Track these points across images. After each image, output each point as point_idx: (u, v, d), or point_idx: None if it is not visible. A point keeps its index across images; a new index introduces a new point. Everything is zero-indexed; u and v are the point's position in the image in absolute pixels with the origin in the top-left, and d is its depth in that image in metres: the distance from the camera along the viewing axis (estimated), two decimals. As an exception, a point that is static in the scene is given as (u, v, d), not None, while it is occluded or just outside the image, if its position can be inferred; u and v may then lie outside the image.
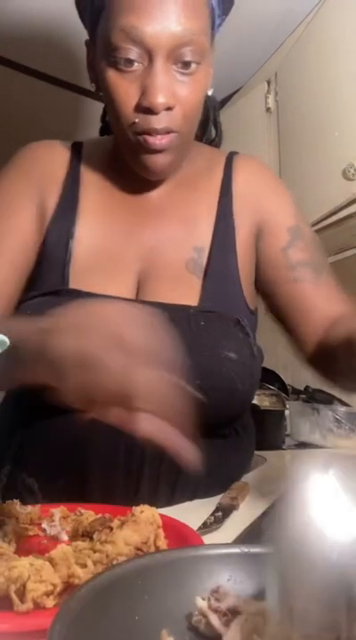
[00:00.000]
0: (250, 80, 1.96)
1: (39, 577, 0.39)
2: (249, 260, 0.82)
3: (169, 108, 0.68)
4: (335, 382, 0.82)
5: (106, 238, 0.79)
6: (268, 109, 1.79)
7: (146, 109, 0.67)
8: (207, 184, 0.84)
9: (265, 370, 1.82)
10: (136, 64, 0.67)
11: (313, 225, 1.53)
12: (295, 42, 1.69)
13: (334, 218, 1.46)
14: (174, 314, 0.72)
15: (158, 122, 0.68)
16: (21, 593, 0.39)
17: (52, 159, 0.83)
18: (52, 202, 0.80)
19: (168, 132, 0.69)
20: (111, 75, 0.68)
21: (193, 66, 0.68)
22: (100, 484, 0.71)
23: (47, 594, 0.39)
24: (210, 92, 0.79)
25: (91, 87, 0.77)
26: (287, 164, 1.70)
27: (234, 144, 1.99)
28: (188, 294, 0.75)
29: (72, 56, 1.82)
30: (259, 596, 0.38)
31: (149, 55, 0.66)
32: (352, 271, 1.81)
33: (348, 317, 0.74)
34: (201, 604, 0.35)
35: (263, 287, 0.84)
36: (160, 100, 0.66)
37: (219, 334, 0.72)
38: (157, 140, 0.69)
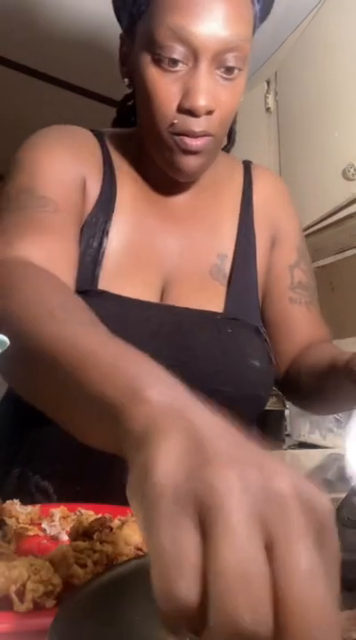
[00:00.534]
0: (250, 80, 1.96)
1: (39, 577, 0.39)
2: (265, 269, 0.84)
3: (210, 112, 0.67)
4: (300, 402, 0.86)
5: (136, 239, 0.77)
6: (268, 109, 1.79)
7: (187, 111, 0.66)
8: (229, 190, 0.85)
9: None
10: (180, 64, 0.66)
11: (313, 225, 1.54)
12: (295, 42, 1.69)
13: (334, 218, 1.46)
14: (202, 319, 0.73)
15: (198, 125, 0.67)
16: (21, 593, 0.39)
17: (89, 143, 0.79)
18: (93, 189, 0.75)
19: (205, 134, 0.69)
20: (153, 72, 0.67)
21: (236, 72, 0.68)
22: (117, 490, 0.70)
23: (47, 594, 0.39)
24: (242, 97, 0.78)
25: (124, 83, 0.76)
26: (287, 164, 1.70)
27: (234, 144, 1.99)
28: (212, 300, 0.76)
29: (74, 57, 1.82)
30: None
31: (195, 57, 0.65)
32: (353, 271, 1.82)
33: (326, 345, 0.79)
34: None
35: (263, 297, 0.85)
36: (203, 102, 0.65)
37: (245, 342, 0.73)
38: (193, 142, 0.68)
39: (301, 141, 1.62)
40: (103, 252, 0.73)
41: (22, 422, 0.76)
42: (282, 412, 1.56)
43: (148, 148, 0.75)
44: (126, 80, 0.75)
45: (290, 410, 1.55)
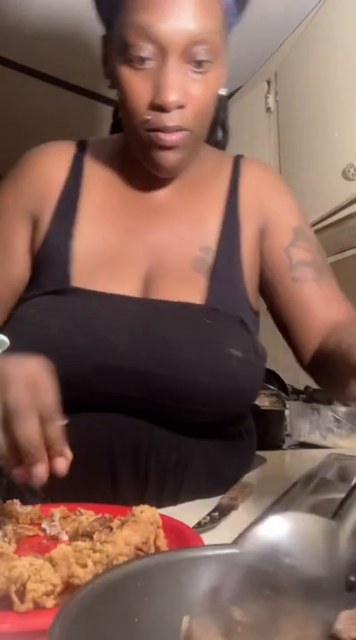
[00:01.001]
0: (250, 80, 1.96)
1: (39, 577, 0.39)
2: (253, 261, 0.82)
3: (181, 107, 0.68)
4: (328, 389, 0.83)
5: (109, 237, 0.78)
6: (268, 109, 1.79)
7: (158, 107, 0.68)
8: (214, 186, 0.84)
9: (265, 370, 1.82)
10: (150, 62, 0.67)
11: (313, 225, 1.53)
12: (295, 42, 1.69)
13: (334, 218, 1.46)
14: (178, 311, 0.72)
15: (170, 119, 0.68)
16: (21, 593, 0.39)
17: (50, 165, 0.83)
18: (49, 207, 0.80)
19: (180, 129, 0.70)
20: (125, 71, 0.69)
21: (206, 65, 0.68)
22: (105, 484, 0.72)
23: (47, 594, 0.39)
24: (224, 92, 0.79)
25: (106, 84, 0.77)
26: (287, 164, 1.70)
27: (234, 144, 1.99)
28: (194, 293, 0.75)
29: (74, 57, 1.82)
30: (258, 596, 0.38)
31: (163, 53, 0.66)
32: (352, 271, 1.81)
33: (345, 326, 0.74)
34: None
35: (265, 288, 0.84)
36: (172, 98, 0.66)
37: (225, 332, 0.72)
38: (168, 137, 0.70)
39: (301, 141, 1.62)
40: (71, 253, 0.76)
41: None
42: (282, 412, 1.56)
43: (131, 146, 0.77)
44: (108, 80, 0.76)
45: (290, 410, 1.55)
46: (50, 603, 0.39)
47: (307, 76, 1.59)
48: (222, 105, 0.89)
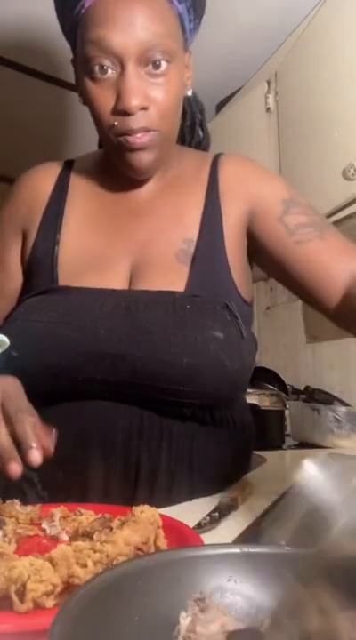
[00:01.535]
0: (250, 80, 1.96)
1: (39, 577, 0.39)
2: (239, 248, 0.84)
3: (144, 109, 0.73)
4: None
5: (93, 239, 0.84)
6: (268, 109, 1.79)
7: (122, 112, 0.72)
8: (195, 182, 0.87)
9: (265, 370, 1.83)
10: (110, 72, 0.72)
11: (313, 225, 1.54)
12: (295, 42, 1.69)
13: (334, 218, 1.46)
14: (157, 298, 0.75)
15: (136, 122, 0.73)
16: (21, 593, 0.39)
17: (38, 183, 0.90)
18: (36, 219, 0.87)
19: (146, 130, 0.74)
20: (89, 85, 0.74)
21: (163, 64, 0.73)
22: (98, 476, 0.73)
23: (47, 594, 0.39)
24: (189, 93, 0.84)
25: (79, 101, 0.82)
26: (287, 164, 1.70)
27: (234, 144, 2.00)
28: (176, 282, 0.78)
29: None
30: (257, 596, 0.38)
31: (120, 62, 0.72)
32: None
33: None
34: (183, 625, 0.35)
35: (272, 264, 0.84)
36: (134, 102, 0.71)
37: (205, 316, 0.74)
38: (136, 139, 0.74)
39: (301, 141, 1.62)
40: (57, 257, 0.82)
41: None
42: (282, 412, 1.56)
43: (107, 153, 0.83)
44: (81, 99, 0.81)
45: (290, 410, 1.55)
46: (50, 603, 0.39)
47: (307, 76, 1.59)
48: (198, 107, 0.95)
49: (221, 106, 2.10)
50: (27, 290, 0.85)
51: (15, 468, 0.54)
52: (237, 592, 0.38)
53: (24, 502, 0.63)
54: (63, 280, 0.80)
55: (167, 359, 0.70)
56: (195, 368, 0.71)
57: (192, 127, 0.96)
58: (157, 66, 0.73)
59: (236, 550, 0.39)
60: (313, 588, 0.38)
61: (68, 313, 0.74)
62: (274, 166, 1.74)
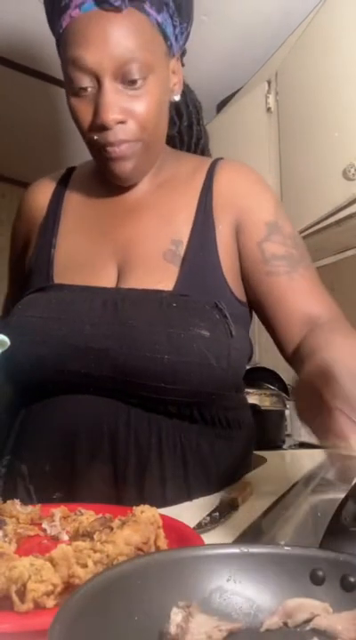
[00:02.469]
0: (250, 80, 1.96)
1: (40, 577, 0.39)
2: (232, 253, 0.84)
3: (122, 122, 0.75)
4: None
5: (85, 240, 0.87)
6: (268, 109, 1.79)
7: (100, 126, 0.75)
8: (188, 186, 0.88)
9: (265, 370, 1.83)
10: (89, 89, 0.75)
11: (313, 225, 1.54)
12: (295, 42, 1.69)
13: (334, 218, 1.46)
14: (145, 296, 0.77)
15: (114, 135, 0.76)
16: (22, 593, 0.39)
17: (38, 193, 0.96)
18: (36, 228, 0.93)
19: (125, 142, 0.77)
20: (71, 100, 0.78)
21: (139, 82, 0.75)
22: (85, 469, 0.75)
23: (47, 594, 0.39)
24: (177, 98, 0.85)
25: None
26: (287, 164, 1.70)
27: (234, 144, 2.00)
28: (164, 281, 0.79)
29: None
30: (257, 596, 0.38)
31: (97, 79, 0.74)
32: (352, 271, 1.82)
33: (322, 328, 0.73)
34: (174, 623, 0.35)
35: (245, 283, 0.85)
36: (110, 117, 0.74)
37: (191, 314, 0.75)
38: (116, 149, 0.77)
39: (301, 141, 1.62)
40: (52, 258, 0.86)
41: (11, 413, 0.85)
42: (282, 412, 1.56)
43: (95, 162, 0.87)
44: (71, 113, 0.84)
45: (290, 410, 1.55)
46: (50, 603, 0.39)
47: (307, 76, 1.59)
48: (194, 105, 0.96)
49: (221, 106, 2.10)
50: (26, 289, 0.88)
51: None
52: (237, 592, 0.38)
53: (15, 494, 0.64)
54: (57, 279, 0.84)
55: (149, 355, 0.72)
56: (177, 365, 0.71)
57: (190, 127, 0.97)
58: (133, 81, 0.74)
59: (236, 550, 0.39)
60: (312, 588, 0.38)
61: (59, 309, 0.78)
62: (274, 166, 1.74)
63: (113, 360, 0.73)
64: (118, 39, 0.73)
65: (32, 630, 0.37)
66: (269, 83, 1.79)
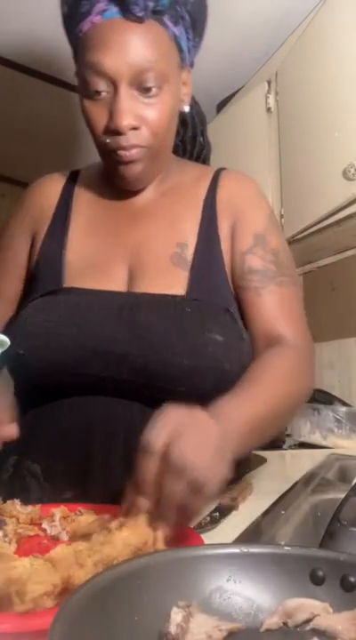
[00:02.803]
0: (250, 80, 1.96)
1: (39, 577, 0.39)
2: (232, 256, 0.86)
3: (135, 128, 0.77)
4: None
5: (96, 242, 0.87)
6: (268, 109, 1.79)
7: (113, 131, 0.77)
8: (193, 192, 0.90)
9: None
10: (104, 93, 0.77)
11: (313, 225, 1.54)
12: (295, 42, 1.69)
13: (334, 218, 1.46)
14: (160, 301, 0.78)
15: (126, 140, 0.77)
16: (21, 593, 0.39)
17: (46, 191, 0.95)
18: (44, 225, 0.91)
19: (136, 147, 0.78)
20: (86, 103, 0.79)
21: (154, 90, 0.77)
22: (99, 469, 0.75)
23: (47, 594, 0.39)
24: (186, 109, 0.87)
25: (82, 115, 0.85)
26: (287, 164, 1.70)
27: (234, 144, 2.00)
28: (174, 285, 0.81)
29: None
30: (257, 596, 0.38)
31: (114, 84, 0.76)
32: (352, 271, 1.82)
33: (268, 354, 0.75)
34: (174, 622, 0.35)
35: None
36: (124, 122, 0.75)
37: (205, 319, 0.77)
38: (126, 153, 0.78)
39: (301, 141, 1.62)
40: (64, 260, 0.86)
41: (19, 411, 0.83)
42: (282, 412, 1.56)
43: (103, 165, 0.88)
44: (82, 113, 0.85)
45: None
46: (50, 603, 0.39)
47: (307, 76, 1.59)
48: (200, 119, 0.99)
49: (221, 106, 2.10)
50: (32, 291, 0.87)
51: None
52: (237, 592, 0.38)
53: (27, 494, 0.64)
54: (67, 282, 0.83)
55: (168, 360, 0.73)
56: (195, 370, 0.73)
57: (194, 137, 1.00)
58: (148, 89, 0.76)
59: (236, 550, 0.39)
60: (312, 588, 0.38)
61: (74, 313, 0.78)
62: (274, 166, 1.74)
63: (132, 364, 0.74)
64: (138, 48, 0.75)
65: (32, 630, 0.37)
66: (269, 83, 1.79)
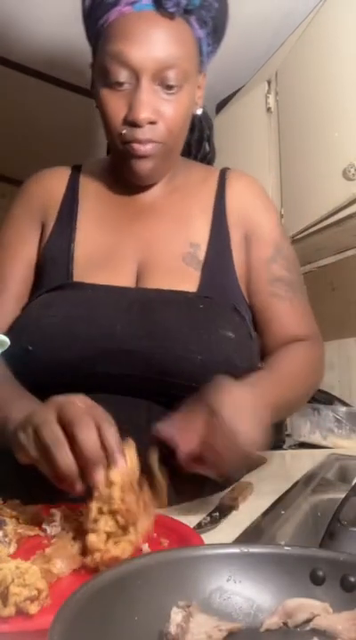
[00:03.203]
0: (250, 80, 1.96)
1: (23, 580, 0.38)
2: (243, 260, 0.88)
3: (152, 123, 0.77)
4: None
5: (104, 238, 0.87)
6: (268, 109, 1.79)
7: (131, 123, 0.77)
8: (201, 192, 0.91)
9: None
10: (125, 84, 0.77)
11: (313, 225, 1.54)
12: (295, 42, 1.69)
13: (334, 218, 1.46)
14: (172, 297, 0.78)
15: (143, 134, 0.77)
16: (5, 596, 0.38)
17: (51, 183, 0.93)
18: (52, 218, 0.90)
19: (151, 142, 0.78)
20: (105, 93, 0.79)
21: (175, 88, 0.77)
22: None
23: (31, 599, 0.38)
24: (199, 112, 0.88)
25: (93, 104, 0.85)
26: (287, 164, 1.70)
27: (234, 144, 2.00)
28: (185, 283, 0.81)
29: (73, 56, 1.83)
30: (257, 596, 0.38)
31: (136, 76, 0.76)
32: (352, 271, 1.82)
33: (289, 348, 0.83)
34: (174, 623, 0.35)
35: (246, 292, 0.89)
36: (143, 115, 0.75)
37: (217, 316, 0.78)
38: (141, 147, 0.78)
39: (301, 141, 1.62)
40: (72, 254, 0.85)
41: None
42: (282, 412, 1.56)
43: (113, 157, 0.88)
44: (94, 102, 0.85)
45: (290, 410, 1.55)
46: (33, 609, 0.38)
47: (307, 76, 1.59)
48: (207, 123, 0.99)
49: (221, 106, 2.10)
50: (40, 285, 0.86)
51: (79, 487, 0.53)
52: (237, 592, 0.38)
53: (28, 493, 0.63)
54: (76, 276, 0.83)
55: (182, 355, 0.73)
56: (209, 366, 0.73)
57: (200, 141, 1.00)
58: (170, 86, 0.77)
59: (236, 550, 0.39)
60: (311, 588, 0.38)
61: (84, 309, 0.77)
62: (274, 166, 1.74)
63: (146, 360, 0.73)
64: (165, 43, 0.75)
65: (32, 630, 0.37)
66: (269, 83, 1.79)
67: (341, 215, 1.44)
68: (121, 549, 0.47)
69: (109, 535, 0.48)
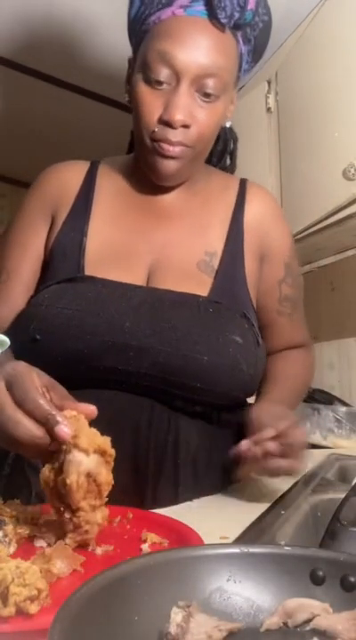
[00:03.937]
0: (250, 80, 1.96)
1: (23, 580, 0.38)
2: (255, 271, 0.90)
3: (186, 126, 0.78)
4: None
5: (118, 234, 0.87)
6: (268, 109, 1.79)
7: (165, 122, 0.78)
8: (220, 200, 0.93)
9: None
10: (165, 84, 0.78)
11: (313, 225, 1.54)
12: (295, 42, 1.69)
13: (334, 218, 1.46)
14: (183, 299, 0.79)
15: (174, 135, 0.78)
16: (5, 596, 0.38)
17: (67, 176, 0.94)
18: (64, 211, 0.90)
19: (181, 144, 0.80)
20: (143, 88, 0.80)
21: (212, 97, 0.79)
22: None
23: (31, 599, 0.38)
24: (228, 124, 0.90)
25: (124, 97, 0.87)
26: (287, 164, 1.70)
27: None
28: (197, 288, 0.82)
29: (73, 57, 1.83)
30: (257, 596, 0.38)
31: (177, 78, 0.77)
32: (352, 271, 1.82)
33: (285, 356, 0.95)
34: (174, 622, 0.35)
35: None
36: (178, 117, 0.77)
37: (226, 321, 0.79)
38: (170, 147, 0.79)
39: (301, 141, 1.62)
40: (84, 247, 0.85)
41: None
42: (282, 413, 1.56)
43: (138, 154, 0.88)
44: (127, 96, 0.87)
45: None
46: (34, 609, 0.38)
47: (307, 76, 1.59)
48: (232, 137, 1.01)
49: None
50: (49, 276, 0.86)
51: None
52: (237, 592, 0.38)
53: (28, 489, 0.64)
54: (87, 270, 0.83)
55: (189, 355, 0.74)
56: (215, 367, 0.75)
57: (222, 153, 1.02)
58: (208, 94, 0.78)
59: (236, 550, 0.39)
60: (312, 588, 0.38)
61: (95, 303, 0.77)
62: (274, 166, 1.74)
63: (153, 358, 0.74)
64: (211, 51, 0.77)
65: (32, 630, 0.37)
66: (269, 83, 1.79)
67: (341, 215, 1.44)
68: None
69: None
